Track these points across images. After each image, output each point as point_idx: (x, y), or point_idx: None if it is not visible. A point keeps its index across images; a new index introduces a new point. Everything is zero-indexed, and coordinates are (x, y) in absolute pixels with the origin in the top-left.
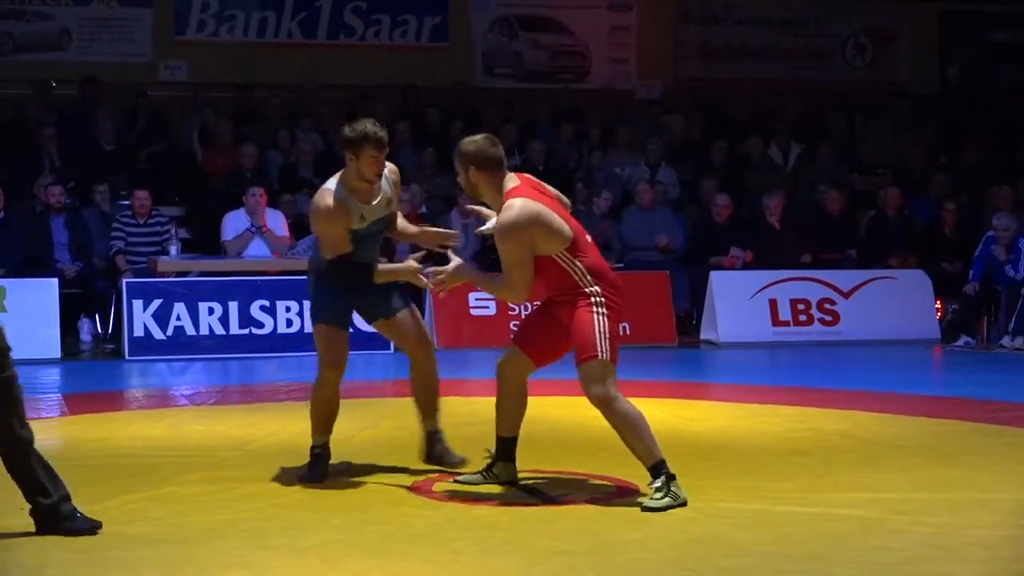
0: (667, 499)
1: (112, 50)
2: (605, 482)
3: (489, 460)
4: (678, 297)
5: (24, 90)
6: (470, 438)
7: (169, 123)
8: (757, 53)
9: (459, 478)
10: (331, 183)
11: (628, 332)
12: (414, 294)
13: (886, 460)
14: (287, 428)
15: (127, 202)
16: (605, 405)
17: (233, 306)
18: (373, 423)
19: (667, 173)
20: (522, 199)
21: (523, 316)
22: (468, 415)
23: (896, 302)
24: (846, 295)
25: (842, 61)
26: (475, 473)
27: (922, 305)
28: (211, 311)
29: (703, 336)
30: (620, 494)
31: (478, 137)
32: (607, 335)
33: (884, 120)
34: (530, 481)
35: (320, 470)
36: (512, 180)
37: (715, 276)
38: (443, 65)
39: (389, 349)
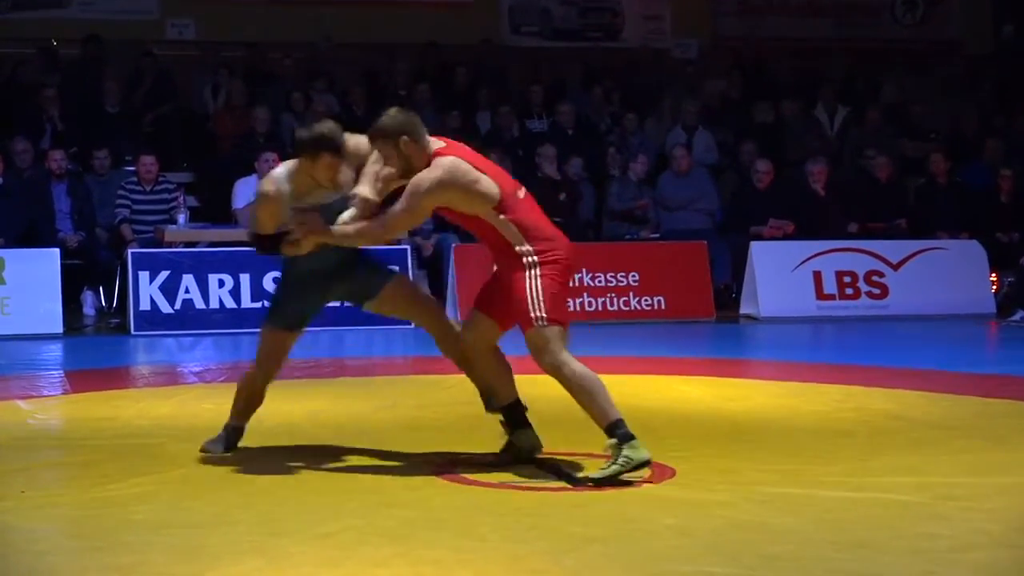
0: (615, 467)
1: (116, 7)
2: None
3: (507, 434)
4: (717, 269)
5: (23, 49)
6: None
7: (176, 84)
8: (800, 9)
9: (486, 461)
10: (277, 171)
11: (664, 306)
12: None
13: (935, 442)
14: (302, 407)
15: (132, 168)
16: (555, 371)
17: (245, 278)
18: (392, 402)
19: (704, 137)
20: (452, 158)
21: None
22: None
23: (948, 274)
24: (895, 267)
25: (891, 18)
26: (498, 454)
27: (976, 277)
28: (221, 283)
29: (743, 310)
30: (655, 477)
31: (392, 111)
32: (541, 297)
33: (935, 81)
34: (559, 463)
35: (226, 442)
36: (436, 143)
37: (756, 247)
38: (467, 22)
39: (410, 324)
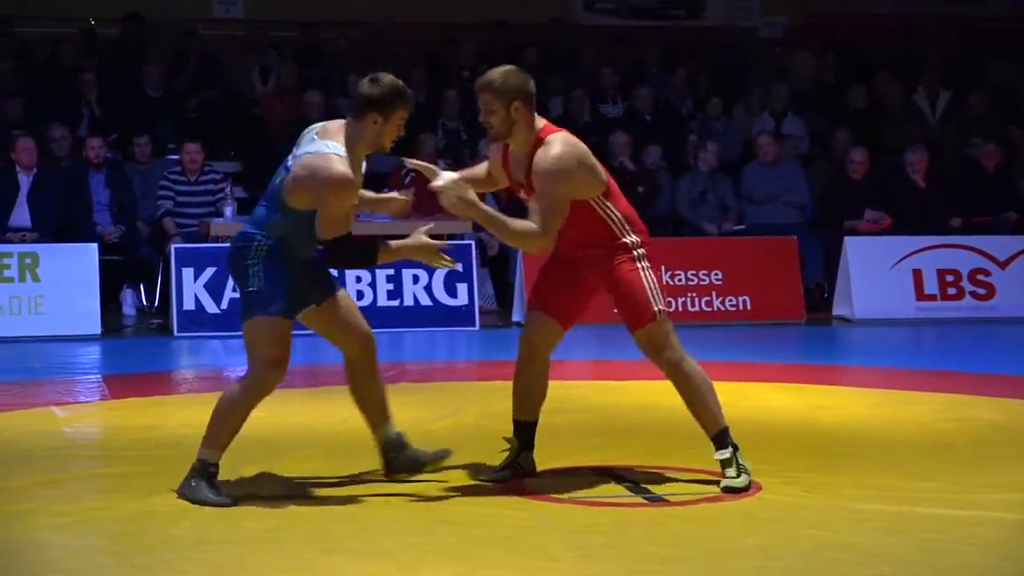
0: (744, 476)
1: None
2: (720, 479)
3: (510, 452)
4: (808, 267)
5: (60, 29)
6: (565, 427)
7: (223, 66)
8: None
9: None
10: (334, 147)
11: (749, 307)
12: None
13: None
14: (357, 415)
15: (176, 156)
16: (675, 368)
17: None
18: (455, 410)
19: (794, 123)
20: (563, 134)
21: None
22: (564, 401)
23: None
24: (1002, 265)
25: None
26: (501, 470)
27: None
28: None
29: (836, 312)
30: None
31: (510, 68)
32: (657, 289)
33: None
34: (636, 477)
35: (226, 493)
36: (539, 119)
37: (850, 243)
38: (538, 0)
39: (475, 325)
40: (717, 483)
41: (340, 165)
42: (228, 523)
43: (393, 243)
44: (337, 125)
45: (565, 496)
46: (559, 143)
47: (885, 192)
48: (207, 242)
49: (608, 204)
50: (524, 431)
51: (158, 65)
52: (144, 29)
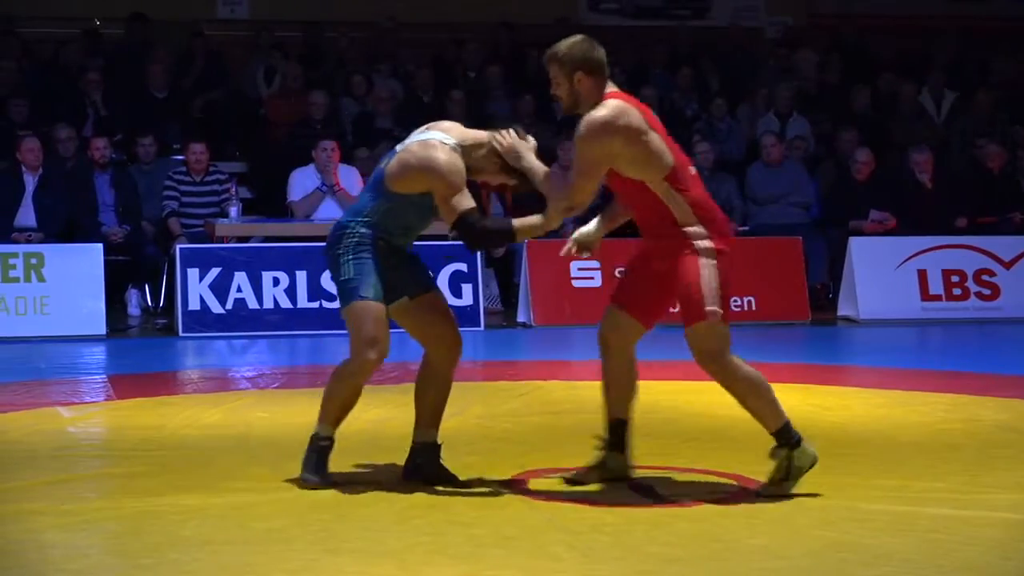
0: (789, 483)
1: None
2: (726, 479)
3: (600, 451)
4: (813, 267)
5: (65, 30)
6: (571, 428)
7: (228, 67)
8: None
9: (567, 476)
10: (442, 136)
11: (754, 307)
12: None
13: None
14: (363, 415)
15: (181, 157)
16: (723, 373)
17: (301, 276)
18: (460, 410)
19: (800, 124)
20: (618, 100)
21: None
22: (571, 402)
23: None
24: (1007, 265)
25: None
26: (583, 469)
27: None
28: (276, 281)
29: (840, 312)
30: (743, 493)
31: (577, 38)
32: (716, 288)
33: None
34: (640, 477)
35: (327, 469)
36: (611, 87)
37: (855, 243)
38: (543, 0)
39: (479, 326)
40: (723, 483)
41: (444, 151)
42: (234, 523)
43: (525, 220)
44: (449, 123)
45: (571, 497)
46: (607, 106)
47: (890, 193)
48: (212, 242)
49: (673, 191)
50: (611, 430)
51: (163, 66)
52: (149, 29)
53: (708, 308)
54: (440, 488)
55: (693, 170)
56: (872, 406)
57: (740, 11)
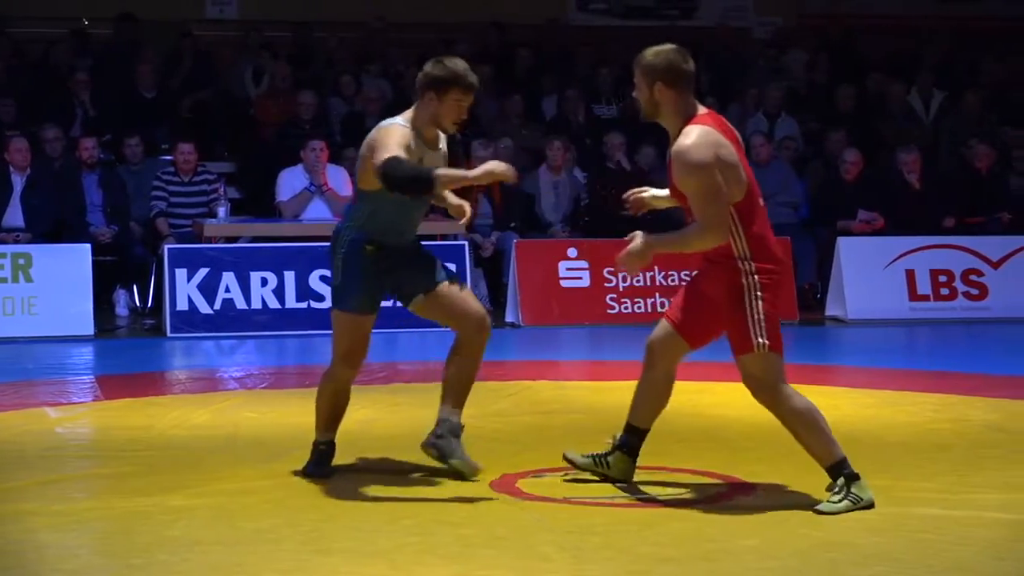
0: (845, 502)
1: None
2: (717, 480)
3: (610, 446)
4: (801, 267)
5: (53, 30)
6: (560, 428)
7: (217, 67)
8: None
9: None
10: (391, 120)
11: None
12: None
13: None
14: (351, 416)
15: (169, 157)
16: (773, 405)
17: (289, 276)
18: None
19: (788, 124)
20: (703, 127)
21: (622, 288)
22: (558, 402)
23: None
24: (995, 265)
25: None
26: (587, 456)
27: None
28: (264, 282)
29: (828, 312)
30: (734, 493)
31: (666, 47)
32: (762, 321)
33: None
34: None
35: (323, 464)
36: (699, 108)
37: (843, 243)
38: (531, 0)
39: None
40: (714, 484)
41: (388, 127)
42: (223, 524)
43: (447, 171)
44: (409, 111)
45: (560, 496)
46: (692, 133)
47: (879, 193)
48: (200, 243)
49: (738, 217)
50: (628, 433)
51: (151, 66)
52: (137, 29)
53: (755, 340)
54: (430, 487)
55: (762, 201)
56: (861, 406)
57: (729, 11)
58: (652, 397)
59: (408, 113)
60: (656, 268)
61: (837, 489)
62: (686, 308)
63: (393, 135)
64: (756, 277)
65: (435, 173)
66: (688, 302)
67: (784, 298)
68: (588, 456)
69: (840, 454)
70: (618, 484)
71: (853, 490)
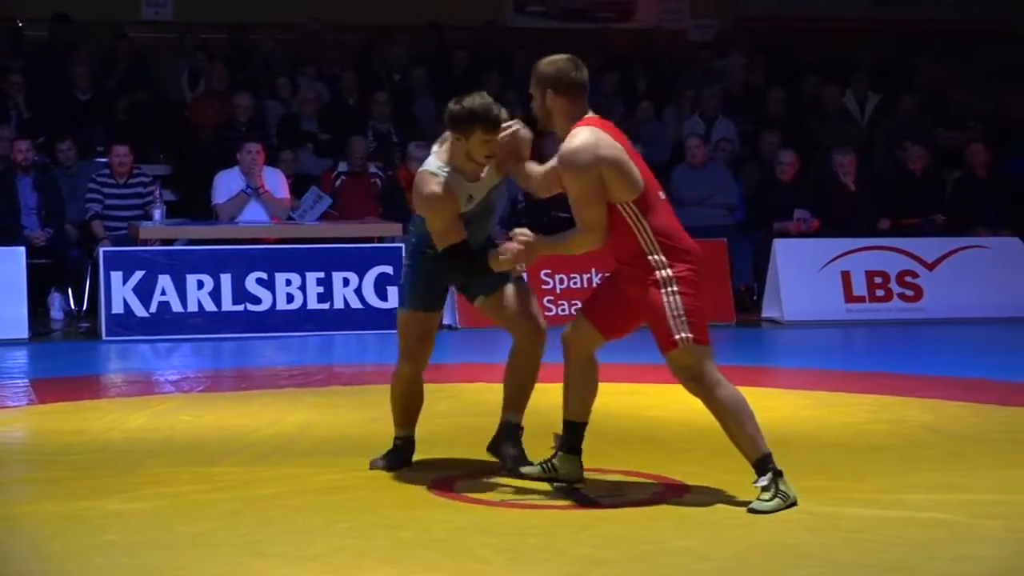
0: (776, 500)
1: None
2: (651, 481)
3: (554, 449)
4: (737, 269)
5: None
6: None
7: (153, 69)
8: None
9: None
10: (432, 163)
11: None
12: None
13: (976, 456)
14: (287, 419)
15: (104, 159)
16: (703, 394)
17: (226, 279)
18: (385, 413)
19: (725, 126)
20: (587, 127)
21: (559, 291)
22: (496, 403)
23: (988, 274)
24: (930, 267)
25: None
26: (535, 464)
27: (1017, 278)
28: (200, 284)
29: (765, 313)
30: (669, 495)
31: (559, 57)
32: (683, 314)
33: (976, 66)
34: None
35: (395, 458)
36: (588, 113)
37: (779, 244)
38: (468, 2)
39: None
40: (649, 485)
41: (429, 184)
42: (159, 528)
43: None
44: (444, 148)
45: (497, 499)
46: (578, 135)
47: (814, 194)
48: (136, 245)
49: (639, 214)
50: (567, 431)
51: (87, 67)
52: (72, 30)
53: (676, 336)
54: (367, 490)
55: (663, 196)
56: (797, 407)
57: (665, 14)
58: (577, 388)
59: (443, 152)
60: (594, 270)
61: (766, 484)
62: (601, 300)
63: (435, 211)
64: (670, 271)
65: (490, 262)
66: (603, 295)
67: (720, 297)
68: (537, 465)
69: (766, 449)
70: (556, 487)
71: (780, 487)
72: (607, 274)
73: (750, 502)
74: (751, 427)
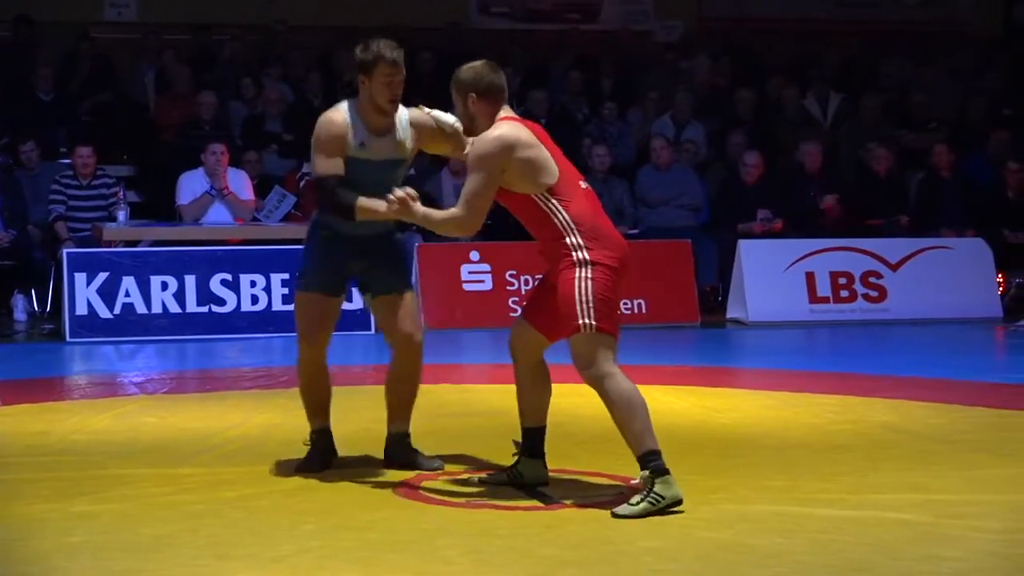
0: (644, 504)
1: None
2: (617, 482)
3: (517, 456)
4: (702, 270)
5: None
6: (463, 431)
7: (116, 70)
8: None
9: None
10: (337, 107)
11: (644, 310)
12: None
13: (940, 456)
14: (252, 420)
15: (68, 160)
16: (597, 384)
17: (190, 280)
18: (349, 414)
19: (695, 129)
20: (508, 123)
21: (524, 291)
22: (460, 404)
23: (951, 275)
24: (894, 267)
25: None
26: (500, 472)
27: (981, 279)
28: (165, 286)
29: (730, 314)
30: (634, 496)
31: (477, 63)
32: (591, 300)
33: (939, 67)
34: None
35: (316, 459)
36: (506, 111)
37: (744, 245)
38: (432, 3)
39: (370, 329)
40: (616, 486)
41: (329, 113)
42: (123, 530)
43: (366, 201)
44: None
45: (463, 500)
46: (495, 130)
47: (779, 195)
48: (100, 247)
49: (554, 202)
50: (524, 436)
51: (49, 68)
52: (34, 31)
53: (579, 321)
54: (332, 492)
55: (584, 185)
56: (762, 407)
57: (630, 15)
58: (529, 394)
59: (355, 100)
60: None
61: (641, 481)
62: (538, 302)
63: (320, 141)
64: (586, 254)
65: (356, 204)
66: (539, 297)
67: (685, 298)
68: (503, 472)
69: (651, 445)
70: (521, 487)
71: (656, 488)
72: (544, 277)
73: (717, 504)
74: (638, 424)
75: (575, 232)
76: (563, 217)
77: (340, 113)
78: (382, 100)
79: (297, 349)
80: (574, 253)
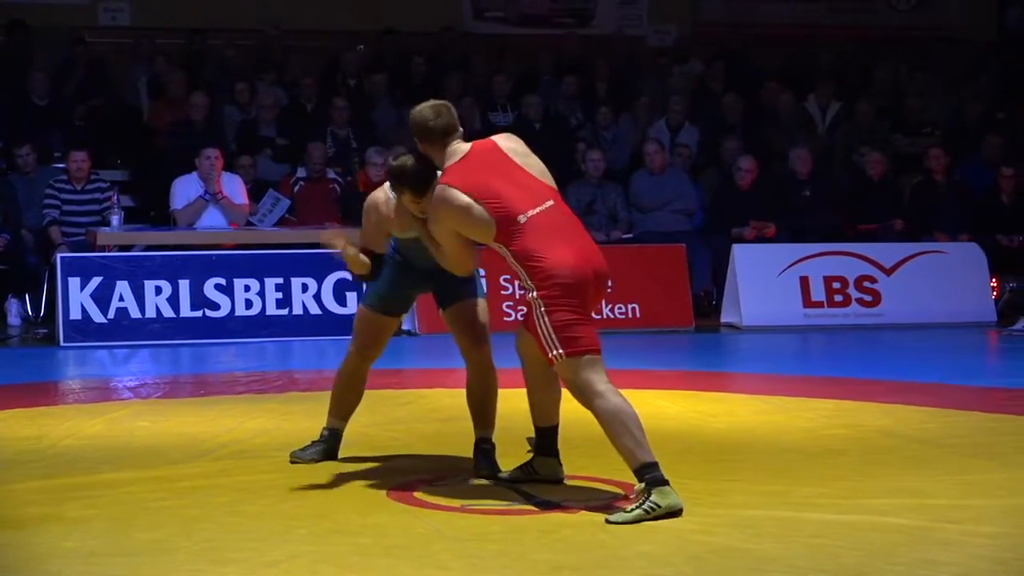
0: (638, 511)
1: None
2: (612, 487)
3: (531, 454)
4: (696, 274)
5: None
6: (456, 435)
7: (110, 74)
8: None
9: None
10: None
11: (638, 314)
12: None
13: (934, 461)
14: (246, 425)
15: (62, 165)
16: (585, 405)
17: (184, 284)
18: None
19: (690, 133)
20: (442, 186)
21: (518, 296)
22: (455, 409)
23: (945, 280)
24: (888, 272)
25: (886, 4)
26: (515, 469)
27: (975, 283)
28: (159, 290)
29: (724, 319)
30: (628, 500)
31: (424, 105)
32: (551, 334)
33: (933, 72)
34: (526, 484)
35: (316, 453)
36: (456, 154)
37: (738, 250)
38: (426, 7)
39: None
40: (608, 490)
41: (373, 194)
42: (118, 534)
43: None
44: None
45: (457, 504)
46: (436, 193)
47: (773, 200)
48: (94, 251)
49: (503, 247)
50: (538, 436)
51: (44, 73)
52: (29, 36)
53: (550, 355)
54: (326, 497)
55: (531, 213)
56: (756, 412)
57: (624, 20)
58: (539, 394)
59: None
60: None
61: (636, 493)
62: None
63: (366, 211)
64: (535, 293)
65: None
66: None
67: (679, 303)
68: (517, 469)
69: (645, 458)
70: (517, 492)
71: (652, 497)
72: None
73: (712, 507)
74: (628, 440)
75: (523, 271)
76: (512, 260)
77: (386, 198)
78: (414, 210)
79: (346, 352)
80: (528, 294)
